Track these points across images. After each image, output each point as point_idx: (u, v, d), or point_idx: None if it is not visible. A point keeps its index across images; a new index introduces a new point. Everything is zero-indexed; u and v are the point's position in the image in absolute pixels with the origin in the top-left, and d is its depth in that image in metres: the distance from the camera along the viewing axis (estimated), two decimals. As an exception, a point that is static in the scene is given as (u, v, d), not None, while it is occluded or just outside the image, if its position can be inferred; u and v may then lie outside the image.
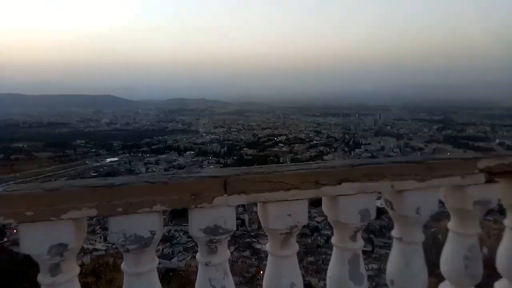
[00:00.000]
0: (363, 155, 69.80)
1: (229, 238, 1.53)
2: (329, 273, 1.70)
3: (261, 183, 1.47)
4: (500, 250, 1.90)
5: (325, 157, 69.54)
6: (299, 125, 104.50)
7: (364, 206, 1.58)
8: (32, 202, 1.28)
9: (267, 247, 1.63)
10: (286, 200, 1.49)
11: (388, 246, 1.97)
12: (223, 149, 79.49)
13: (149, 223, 1.39)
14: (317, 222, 33.41)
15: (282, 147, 79.59)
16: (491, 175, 1.68)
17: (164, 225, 1.57)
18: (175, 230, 34.01)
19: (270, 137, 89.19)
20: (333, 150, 75.44)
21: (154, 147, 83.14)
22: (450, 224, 1.81)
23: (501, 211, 2.02)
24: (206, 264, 1.51)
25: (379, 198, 1.73)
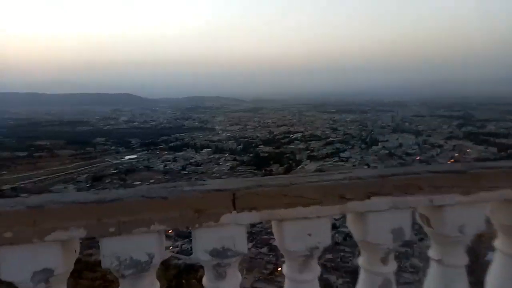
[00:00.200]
0: (380, 152, 68.55)
1: (239, 261, 1.33)
2: None
3: (276, 197, 1.26)
4: (490, 276, 1.62)
5: (341, 154, 68.69)
6: (314, 122, 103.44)
7: (397, 224, 1.34)
8: (11, 221, 1.11)
9: (284, 269, 1.42)
10: (306, 218, 1.28)
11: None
12: (239, 147, 79.50)
13: (146, 244, 1.20)
14: (335, 220, 32.97)
15: (298, 144, 78.92)
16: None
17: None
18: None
19: (286, 134, 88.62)
20: (350, 147, 74.32)
21: (171, 144, 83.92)
22: (498, 243, 1.56)
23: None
24: None
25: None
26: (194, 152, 76.80)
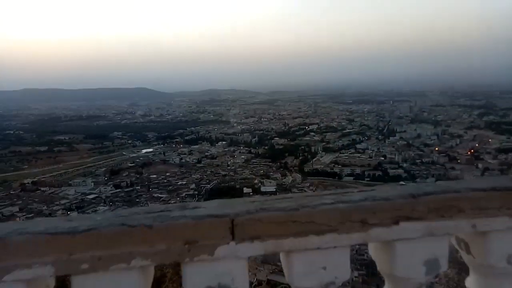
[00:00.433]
0: (398, 143, 67.21)
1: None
2: None
3: (283, 224, 1.04)
4: None
5: (358, 146, 67.68)
6: (330, 113, 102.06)
7: (431, 254, 1.10)
8: (-35, 257, 0.93)
9: None
10: (319, 249, 1.05)
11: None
12: (254, 139, 79.33)
13: (125, 283, 1.00)
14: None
15: (314, 136, 78.11)
16: None
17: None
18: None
19: (301, 126, 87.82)
20: (366, 138, 73.13)
21: (187, 138, 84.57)
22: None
23: None
24: None
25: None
26: (209, 145, 77.18)
